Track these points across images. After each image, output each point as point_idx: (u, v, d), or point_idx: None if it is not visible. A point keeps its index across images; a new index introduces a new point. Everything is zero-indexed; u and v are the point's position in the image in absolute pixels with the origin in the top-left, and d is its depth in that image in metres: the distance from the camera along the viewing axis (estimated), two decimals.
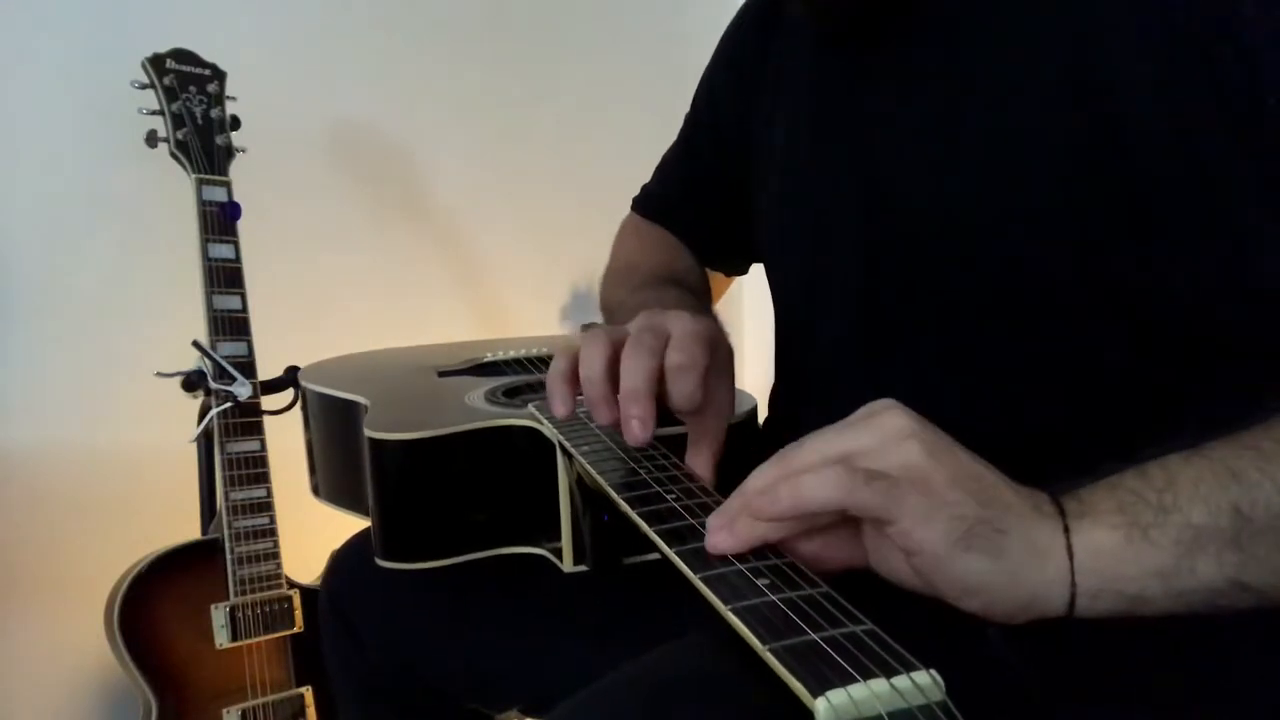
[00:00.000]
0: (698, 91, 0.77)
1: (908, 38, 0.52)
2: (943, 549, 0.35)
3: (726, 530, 0.38)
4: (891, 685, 0.29)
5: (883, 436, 0.37)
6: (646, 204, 0.83)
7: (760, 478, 0.39)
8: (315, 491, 0.80)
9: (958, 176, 0.49)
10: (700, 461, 0.50)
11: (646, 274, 0.76)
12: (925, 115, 0.51)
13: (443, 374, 0.81)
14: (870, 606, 0.34)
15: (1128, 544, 0.36)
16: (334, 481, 0.77)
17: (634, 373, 0.46)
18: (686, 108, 0.79)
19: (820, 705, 0.28)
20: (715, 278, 0.83)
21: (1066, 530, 0.36)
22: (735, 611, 0.33)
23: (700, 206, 0.78)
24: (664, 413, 0.47)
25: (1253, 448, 0.36)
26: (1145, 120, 0.42)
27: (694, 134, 0.78)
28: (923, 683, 0.29)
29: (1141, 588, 0.36)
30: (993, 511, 0.36)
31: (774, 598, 0.34)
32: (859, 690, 0.29)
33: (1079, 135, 0.44)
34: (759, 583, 0.35)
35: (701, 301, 0.75)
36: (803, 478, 0.36)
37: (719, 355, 0.51)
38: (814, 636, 0.31)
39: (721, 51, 0.74)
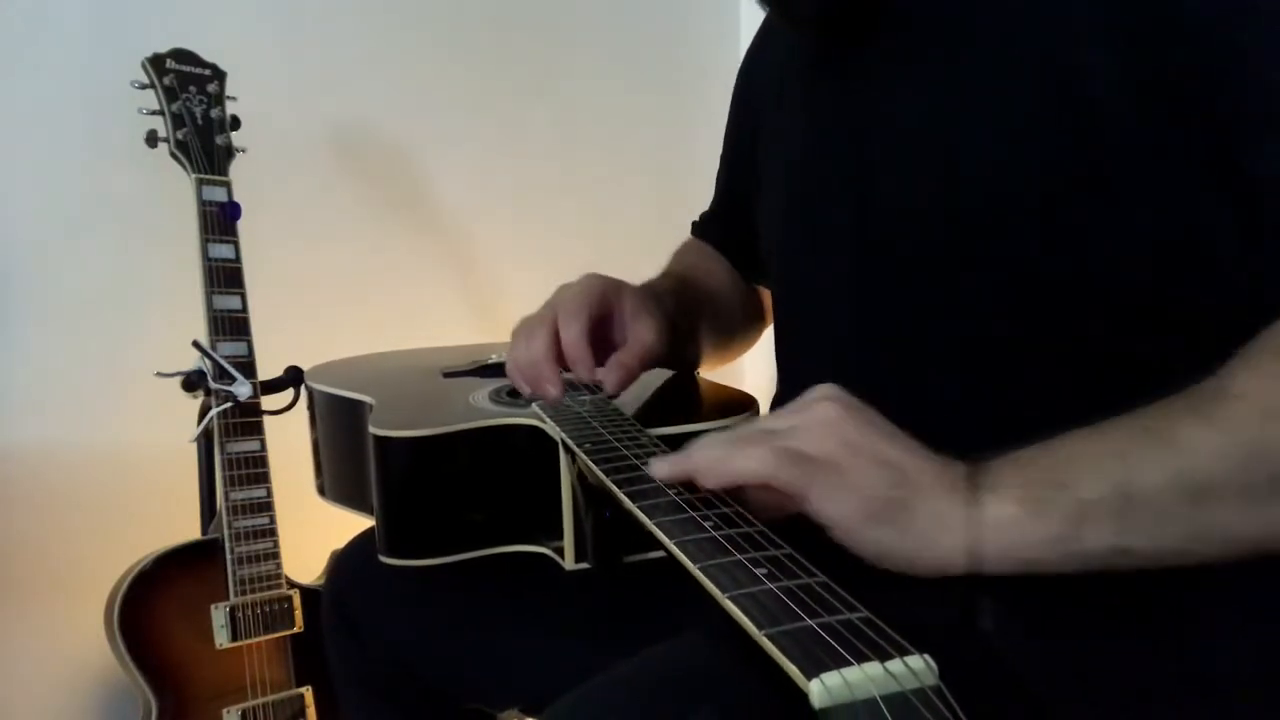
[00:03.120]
0: (730, 106, 0.79)
1: (893, 39, 0.53)
2: (851, 525, 0.40)
3: (668, 464, 0.44)
4: (885, 669, 0.30)
5: (809, 421, 0.42)
6: (697, 222, 0.86)
7: (710, 447, 0.43)
8: (321, 491, 0.81)
9: (947, 173, 0.50)
10: (609, 377, 0.61)
11: (668, 272, 0.78)
12: (911, 116, 0.52)
13: (448, 375, 0.81)
14: (866, 595, 0.34)
15: (1025, 517, 0.39)
16: (340, 481, 0.77)
17: (531, 349, 0.62)
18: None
19: (815, 687, 0.29)
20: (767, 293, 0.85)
21: (974, 504, 0.40)
22: (733, 599, 0.34)
23: (732, 220, 0.79)
24: (666, 414, 0.49)
25: (1142, 428, 0.40)
26: (1113, 104, 0.44)
27: (725, 148, 0.81)
28: (916, 667, 0.30)
29: (1037, 554, 0.40)
30: (901, 492, 0.40)
31: (771, 586, 0.35)
32: (853, 673, 0.29)
33: (1059, 121, 0.45)
34: (757, 572, 0.36)
35: (701, 291, 0.77)
36: (735, 455, 0.42)
37: (616, 304, 0.65)
38: (810, 623, 0.32)
39: (743, 65, 0.76)
